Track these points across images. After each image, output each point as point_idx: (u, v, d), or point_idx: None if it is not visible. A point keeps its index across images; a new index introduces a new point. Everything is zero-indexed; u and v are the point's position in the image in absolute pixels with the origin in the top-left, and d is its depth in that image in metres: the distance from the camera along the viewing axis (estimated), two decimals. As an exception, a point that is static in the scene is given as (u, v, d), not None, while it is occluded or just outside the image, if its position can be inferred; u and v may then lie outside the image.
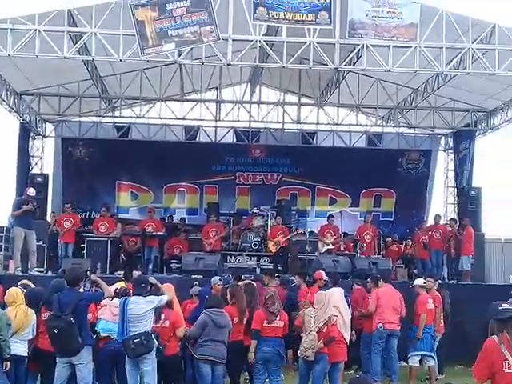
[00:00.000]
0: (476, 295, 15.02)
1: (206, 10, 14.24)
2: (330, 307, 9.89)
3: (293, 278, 14.06)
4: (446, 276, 18.90)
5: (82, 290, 9.50)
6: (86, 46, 15.24)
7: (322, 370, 9.86)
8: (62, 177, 22.93)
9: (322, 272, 13.01)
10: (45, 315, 9.40)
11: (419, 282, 13.05)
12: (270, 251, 18.25)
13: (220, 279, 11.67)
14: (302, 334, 9.77)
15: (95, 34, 14.42)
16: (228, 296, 10.37)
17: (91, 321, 9.60)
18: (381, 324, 12.33)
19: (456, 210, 23.15)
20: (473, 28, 14.96)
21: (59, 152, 23.17)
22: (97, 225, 18.41)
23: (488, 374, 5.72)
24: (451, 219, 20.39)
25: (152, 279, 9.95)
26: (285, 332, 10.07)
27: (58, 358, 8.80)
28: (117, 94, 21.34)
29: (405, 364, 13.61)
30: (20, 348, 9.22)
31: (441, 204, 23.95)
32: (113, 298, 9.96)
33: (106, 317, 9.74)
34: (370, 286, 13.08)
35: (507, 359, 5.62)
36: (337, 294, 10.73)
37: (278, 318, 9.97)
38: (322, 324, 9.65)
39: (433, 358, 12.61)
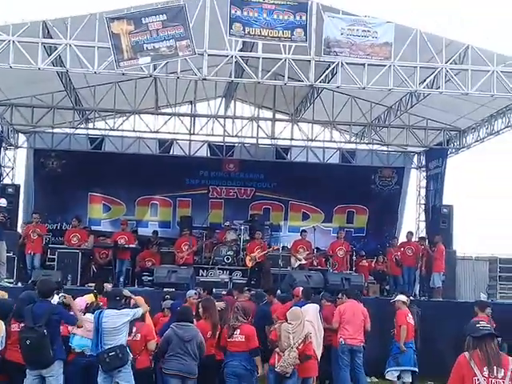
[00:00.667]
0: (447, 312, 15.16)
1: (182, 25, 14.28)
2: (307, 324, 9.90)
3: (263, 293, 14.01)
4: (417, 293, 18.98)
5: (53, 301, 9.43)
6: (60, 57, 15.21)
7: (294, 383, 9.83)
8: (34, 188, 22.78)
9: (300, 288, 13.00)
10: (14, 326, 9.31)
11: (402, 297, 13.05)
12: (246, 265, 18.23)
13: (195, 293, 11.62)
14: (276, 349, 9.70)
15: (70, 45, 14.41)
16: (200, 310, 10.34)
17: (63, 334, 9.50)
18: (342, 339, 12.31)
19: (425, 227, 23.30)
20: (446, 48, 15.16)
21: (31, 163, 23.02)
22: (69, 236, 18.28)
23: None
24: (420, 237, 20.53)
25: (126, 292, 9.89)
26: (251, 346, 9.78)
27: (27, 371, 8.71)
28: (91, 105, 21.26)
29: (375, 380, 13.68)
30: (-11, 360, 9.12)
31: (413, 221, 24.11)
32: (85, 312, 9.91)
33: (80, 332, 9.66)
34: (339, 302, 13.09)
35: (476, 375, 5.68)
36: (312, 309, 10.74)
37: (237, 332, 9.78)
38: (300, 341, 9.65)
39: (414, 372, 12.65)
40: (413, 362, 12.65)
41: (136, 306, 9.60)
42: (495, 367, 5.67)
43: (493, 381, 5.66)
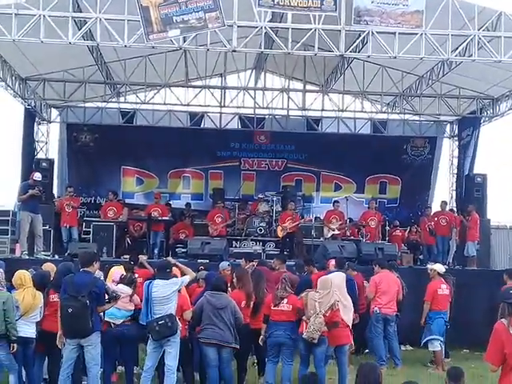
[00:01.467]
0: (482, 281, 15.13)
1: (212, -4, 14.23)
2: (334, 292, 9.95)
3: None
4: (451, 262, 18.96)
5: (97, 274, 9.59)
6: (90, 31, 15.26)
7: (323, 353, 9.89)
8: (67, 162, 23.02)
9: (332, 260, 13.07)
10: (53, 297, 9.51)
11: (438, 267, 13.07)
12: (278, 236, 18.29)
13: (228, 264, 11.75)
14: (303, 317, 9.76)
15: (100, 19, 14.40)
16: (234, 280, 10.44)
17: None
18: (376, 308, 12.48)
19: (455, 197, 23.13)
20: (479, 15, 14.93)
21: (64, 137, 23.22)
22: (105, 210, 18.56)
23: (501, 357, 5.79)
24: (450, 209, 20.18)
25: (173, 260, 10.04)
26: (298, 316, 9.90)
27: (66, 340, 8.88)
28: (121, 79, 21.34)
29: (410, 348, 13.74)
30: (28, 330, 9.32)
31: (446, 191, 23.96)
32: (118, 283, 10.08)
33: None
34: (376, 272, 13.16)
35: None
36: (338, 277, 10.74)
37: (285, 302, 9.88)
38: (326, 308, 9.71)
39: (441, 341, 12.68)
40: (442, 332, 12.61)
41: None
42: None
43: None
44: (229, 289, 10.34)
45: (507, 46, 14.98)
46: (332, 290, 9.93)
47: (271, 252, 17.51)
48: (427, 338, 12.61)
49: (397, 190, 23.93)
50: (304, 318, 9.72)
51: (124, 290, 9.90)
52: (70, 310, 8.66)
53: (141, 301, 9.68)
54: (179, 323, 9.33)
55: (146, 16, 14.19)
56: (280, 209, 19.49)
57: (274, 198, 20.32)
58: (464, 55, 15.87)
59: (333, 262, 12.93)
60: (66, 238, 17.76)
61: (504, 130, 25.21)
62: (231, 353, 9.78)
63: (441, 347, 12.64)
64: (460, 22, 14.96)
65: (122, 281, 10.22)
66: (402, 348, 13.55)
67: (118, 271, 10.72)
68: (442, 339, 12.62)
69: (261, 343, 10.11)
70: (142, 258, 12.95)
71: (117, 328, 9.78)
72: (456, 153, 23.86)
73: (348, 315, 10.55)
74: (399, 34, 14.76)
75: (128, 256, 13.58)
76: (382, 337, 12.50)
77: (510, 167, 32.79)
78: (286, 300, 9.91)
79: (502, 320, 5.89)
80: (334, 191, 23.54)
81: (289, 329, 9.85)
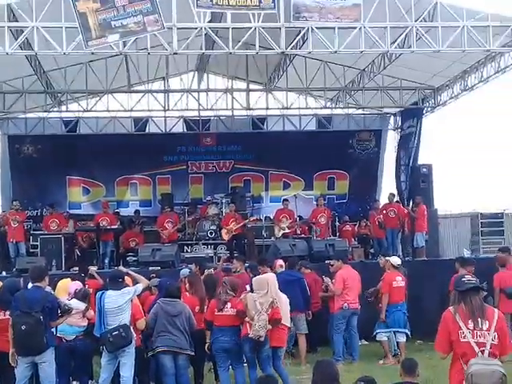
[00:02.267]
0: (432, 271, 15.25)
1: (149, -1, 14.09)
2: (271, 291, 9.84)
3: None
4: (400, 253, 19.08)
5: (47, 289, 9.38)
6: (28, 40, 14.97)
7: (268, 351, 9.78)
8: (11, 175, 22.56)
9: (279, 261, 12.98)
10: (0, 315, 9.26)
11: (394, 260, 13.05)
12: (223, 239, 18.20)
13: (189, 271, 11.64)
14: (246, 319, 9.67)
15: (37, 27, 14.15)
16: (187, 285, 10.34)
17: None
18: (346, 304, 12.48)
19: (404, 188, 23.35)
20: (415, 6, 15.09)
21: (6, 150, 22.77)
22: (47, 223, 18.22)
23: (448, 345, 5.84)
24: (396, 201, 20.22)
25: (124, 269, 9.89)
26: (241, 320, 9.79)
27: (20, 358, 8.63)
28: (62, 88, 21.04)
29: (366, 342, 13.78)
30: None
31: (393, 183, 24.15)
32: (71, 298, 9.89)
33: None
34: (333, 269, 13.12)
35: (461, 328, 5.74)
36: (272, 278, 10.56)
37: (229, 306, 9.75)
38: (267, 307, 9.63)
39: (405, 334, 12.72)
40: (402, 323, 12.67)
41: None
42: (479, 319, 5.75)
43: (478, 333, 5.74)
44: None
45: (445, 35, 15.16)
46: (269, 288, 9.83)
47: (223, 255, 17.38)
48: (378, 331, 12.67)
49: (345, 186, 24.04)
50: (247, 319, 9.61)
51: (77, 305, 9.71)
52: (23, 327, 8.42)
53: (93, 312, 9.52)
54: (133, 333, 9.19)
55: (84, 22, 13.97)
56: (228, 211, 19.37)
57: (224, 200, 20.24)
58: (403, 47, 16.02)
59: (279, 261, 12.84)
60: (14, 254, 17.37)
61: (446, 120, 25.60)
62: (187, 359, 9.67)
63: (389, 339, 12.68)
64: (397, 14, 15.08)
65: (75, 295, 10.03)
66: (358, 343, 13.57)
67: (73, 285, 10.52)
68: (405, 331, 12.65)
69: (207, 350, 9.97)
70: (92, 268, 12.75)
71: (69, 342, 9.64)
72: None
73: (285, 315, 10.39)
74: (338, 28, 14.83)
75: (77, 268, 13.36)
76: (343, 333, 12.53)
77: (454, 156, 33.35)
78: (229, 304, 9.76)
79: (450, 308, 5.93)
80: (283, 190, 23.55)
81: (234, 333, 9.74)
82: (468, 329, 5.74)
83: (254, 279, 10.34)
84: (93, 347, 9.67)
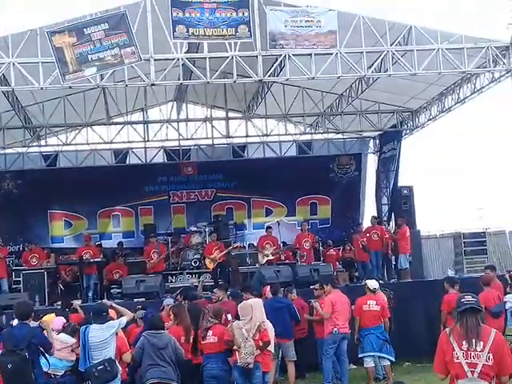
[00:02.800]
0: (417, 292, 15.25)
1: (126, 32, 14.16)
2: (256, 316, 9.81)
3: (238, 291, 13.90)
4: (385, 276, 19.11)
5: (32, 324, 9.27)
6: (4, 76, 14.96)
7: (260, 377, 9.75)
8: (-9, 211, 22.41)
9: (268, 287, 12.98)
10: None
11: (369, 283, 12.93)
12: (208, 268, 18.13)
13: (174, 300, 11.56)
14: (234, 347, 9.64)
15: (13, 63, 14.17)
16: (172, 316, 10.26)
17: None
18: (336, 329, 12.35)
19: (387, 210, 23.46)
20: (390, 31, 15.29)
21: (-15, 186, 22.64)
22: (26, 258, 18.09)
23: (444, 366, 5.81)
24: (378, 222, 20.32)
25: (109, 302, 9.79)
26: (225, 346, 9.78)
27: None
28: (41, 122, 21.02)
29: (354, 366, 13.71)
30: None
31: (374, 205, 24.23)
32: (59, 332, 9.79)
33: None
34: (318, 294, 13.08)
35: (454, 349, 5.72)
36: (256, 303, 10.52)
37: (210, 334, 9.79)
38: (254, 331, 9.60)
39: (384, 358, 12.63)
40: (377, 347, 12.51)
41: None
42: (474, 340, 5.70)
43: (472, 354, 5.70)
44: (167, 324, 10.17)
45: (420, 58, 15.34)
46: (253, 313, 9.80)
47: (206, 283, 17.31)
48: (359, 356, 12.63)
49: (327, 210, 24.07)
50: (235, 347, 9.59)
51: (65, 339, 9.62)
52: (9, 366, 8.30)
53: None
54: (119, 366, 9.09)
55: (61, 57, 14.01)
56: (210, 240, 19.31)
57: (207, 229, 20.18)
58: (380, 71, 16.18)
59: (268, 288, 12.83)
60: (-4, 290, 17.21)
61: (425, 141, 25.79)
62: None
63: (375, 363, 12.58)
64: (373, 39, 15.25)
65: (63, 330, 9.93)
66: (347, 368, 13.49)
67: (58, 320, 10.43)
68: (380, 355, 12.53)
69: None
70: (76, 302, 12.63)
71: (58, 379, 9.49)
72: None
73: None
74: (315, 54, 14.97)
75: (60, 302, 13.24)
76: (333, 358, 12.43)
77: (434, 176, 33.56)
78: (210, 332, 9.82)
79: (446, 329, 5.94)
80: (266, 216, 23.55)
81: (220, 360, 9.75)
82: (461, 350, 5.72)
83: (239, 306, 10.29)
84: (78, 383, 9.54)
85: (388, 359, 12.50)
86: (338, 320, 12.39)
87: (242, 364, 9.46)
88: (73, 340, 9.79)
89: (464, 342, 5.73)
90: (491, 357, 5.69)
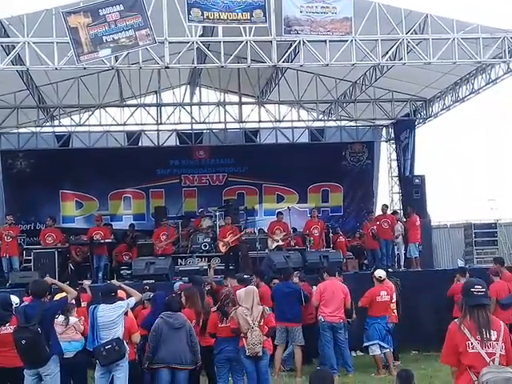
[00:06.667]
0: (426, 281, 15.27)
1: (140, 14, 14.15)
2: (255, 301, 9.85)
3: (247, 276, 13.93)
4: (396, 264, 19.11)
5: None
6: (19, 55, 14.99)
7: (267, 364, 9.85)
8: (4, 190, 22.56)
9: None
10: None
11: (378, 273, 12.99)
12: (221, 251, 18.18)
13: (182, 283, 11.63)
14: (241, 335, 9.69)
15: (28, 43, 14.21)
16: (183, 299, 10.30)
17: None
18: (321, 317, 12.41)
19: (399, 199, 23.47)
20: (406, 19, 15.20)
21: (-1, 165, 22.78)
22: (43, 236, 18.13)
23: (456, 357, 5.78)
24: (393, 211, 20.53)
25: (117, 283, 9.85)
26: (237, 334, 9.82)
27: (25, 370, 8.61)
28: (54, 103, 21.06)
29: (360, 354, 13.75)
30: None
31: (386, 194, 24.23)
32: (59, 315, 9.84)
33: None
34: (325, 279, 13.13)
35: (469, 339, 5.70)
36: (256, 291, 10.54)
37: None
38: (258, 318, 9.64)
39: (384, 347, 12.66)
40: (381, 336, 12.56)
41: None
42: (487, 331, 5.69)
43: (487, 343, 5.69)
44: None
45: (436, 47, 15.26)
46: (256, 299, 9.84)
47: (217, 267, 17.36)
48: (364, 344, 12.66)
49: (339, 198, 24.04)
50: (242, 335, 9.65)
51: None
52: (23, 342, 8.40)
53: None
54: (127, 347, 9.16)
55: (76, 37, 14.02)
56: (223, 223, 19.38)
57: (217, 213, 20.20)
58: (394, 59, 16.12)
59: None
60: (7, 268, 17.31)
61: (438, 131, 25.69)
62: (186, 373, 9.57)
63: (381, 351, 12.62)
64: (388, 27, 15.18)
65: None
66: (353, 354, 13.53)
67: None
68: (381, 344, 12.55)
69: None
70: (86, 282, 12.72)
71: (68, 360, 9.49)
72: (394, 156, 24.15)
73: None
74: (330, 41, 14.91)
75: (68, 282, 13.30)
76: (333, 345, 12.41)
77: (446, 166, 33.45)
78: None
79: (455, 320, 5.91)
80: (277, 202, 23.52)
81: (237, 344, 9.81)
82: (477, 340, 5.70)
83: (239, 291, 10.26)
84: (89, 361, 9.62)
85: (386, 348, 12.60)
86: (325, 308, 12.39)
87: (250, 354, 9.56)
88: (73, 319, 9.86)
89: (477, 333, 5.71)
90: (503, 347, 5.72)
